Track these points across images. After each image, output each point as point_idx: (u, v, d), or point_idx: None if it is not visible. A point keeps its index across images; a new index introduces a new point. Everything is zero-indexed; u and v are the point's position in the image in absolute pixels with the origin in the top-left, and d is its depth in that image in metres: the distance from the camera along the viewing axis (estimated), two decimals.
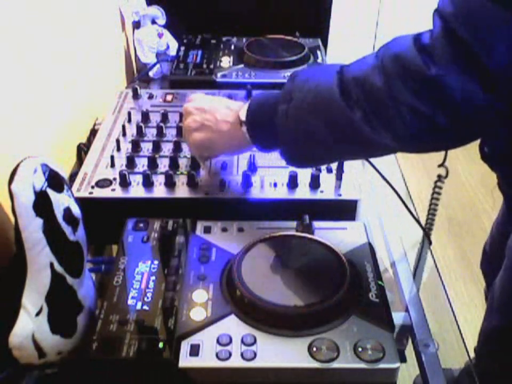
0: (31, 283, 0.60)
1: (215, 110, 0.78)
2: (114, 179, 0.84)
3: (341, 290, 0.62)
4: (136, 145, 0.91)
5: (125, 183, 0.82)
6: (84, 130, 1.08)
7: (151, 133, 0.96)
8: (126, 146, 0.92)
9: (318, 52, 1.29)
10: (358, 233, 0.74)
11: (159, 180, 0.84)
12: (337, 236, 0.73)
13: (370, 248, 0.72)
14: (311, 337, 0.59)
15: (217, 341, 0.58)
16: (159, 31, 1.33)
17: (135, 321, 0.61)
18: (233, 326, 0.60)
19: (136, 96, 1.08)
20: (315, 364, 0.57)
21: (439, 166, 0.87)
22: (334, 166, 0.85)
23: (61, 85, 1.00)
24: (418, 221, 0.79)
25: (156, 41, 1.33)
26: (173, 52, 1.35)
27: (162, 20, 1.35)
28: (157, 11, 1.34)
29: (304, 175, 0.84)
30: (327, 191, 0.82)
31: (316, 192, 0.82)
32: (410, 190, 0.92)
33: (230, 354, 0.57)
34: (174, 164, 0.87)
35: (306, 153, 0.71)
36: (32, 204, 0.58)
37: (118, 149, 0.91)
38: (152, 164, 0.87)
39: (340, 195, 0.81)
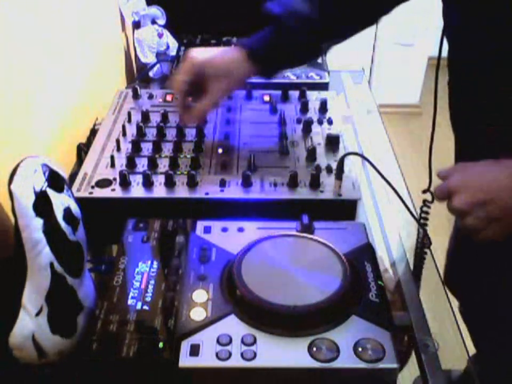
0: (31, 283, 0.60)
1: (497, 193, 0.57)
2: (114, 179, 0.84)
3: (340, 290, 0.62)
4: (136, 145, 0.91)
5: (125, 183, 0.82)
6: (84, 130, 1.08)
7: (151, 133, 0.96)
8: (126, 146, 0.92)
9: None
10: (358, 233, 0.74)
11: (159, 180, 0.84)
12: (337, 235, 0.72)
13: (370, 248, 0.72)
14: (311, 337, 0.59)
15: (217, 341, 0.58)
16: (159, 31, 1.33)
17: (135, 321, 0.61)
18: (233, 326, 0.60)
19: (136, 96, 1.08)
20: (315, 364, 0.57)
21: (424, 192, 0.75)
22: (334, 166, 0.85)
23: (61, 84, 1.00)
24: (418, 221, 0.78)
25: (156, 41, 1.33)
26: (173, 52, 1.35)
27: (162, 20, 1.35)
28: (157, 11, 1.34)
29: (304, 175, 0.84)
30: (327, 191, 0.82)
31: (315, 192, 0.82)
32: (410, 190, 0.92)
33: (230, 354, 0.57)
34: (174, 164, 0.87)
35: None
36: (32, 204, 0.58)
37: (118, 149, 0.91)
38: (152, 164, 0.87)
39: (340, 195, 0.81)
